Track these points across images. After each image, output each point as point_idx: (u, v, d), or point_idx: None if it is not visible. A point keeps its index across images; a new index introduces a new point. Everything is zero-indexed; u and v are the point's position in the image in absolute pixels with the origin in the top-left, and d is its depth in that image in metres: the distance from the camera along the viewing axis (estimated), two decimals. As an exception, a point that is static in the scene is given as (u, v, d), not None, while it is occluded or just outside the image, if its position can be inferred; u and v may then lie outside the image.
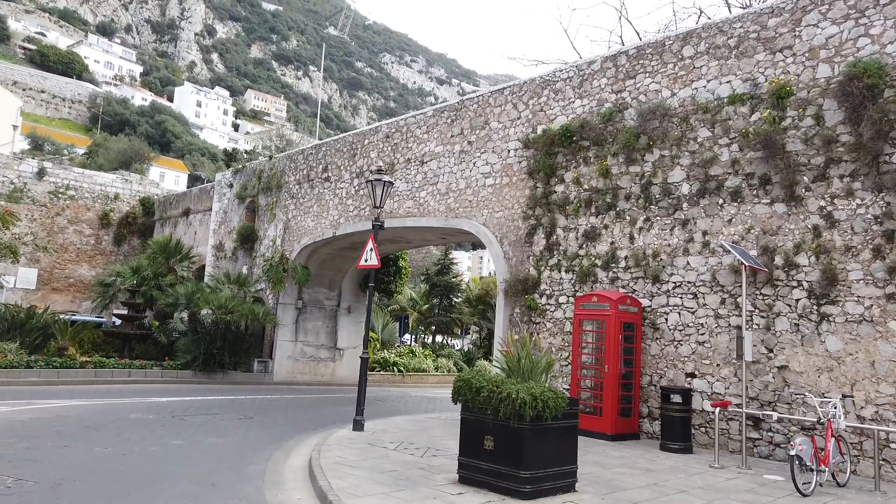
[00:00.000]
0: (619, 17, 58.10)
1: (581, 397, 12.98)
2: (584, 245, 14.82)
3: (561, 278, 15.21)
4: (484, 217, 17.26)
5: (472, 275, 57.19)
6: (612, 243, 14.30)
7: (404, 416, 16.13)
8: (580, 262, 14.83)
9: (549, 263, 15.49)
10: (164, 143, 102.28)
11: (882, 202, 10.59)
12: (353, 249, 24.04)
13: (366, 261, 13.17)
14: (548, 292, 15.44)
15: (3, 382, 17.36)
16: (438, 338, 36.20)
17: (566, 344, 14.88)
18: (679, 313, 12.97)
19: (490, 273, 54.34)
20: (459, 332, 36.69)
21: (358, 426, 12.66)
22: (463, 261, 69.10)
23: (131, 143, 52.80)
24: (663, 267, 13.32)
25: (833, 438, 9.17)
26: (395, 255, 26.05)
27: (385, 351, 29.31)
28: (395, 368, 27.63)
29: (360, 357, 13.11)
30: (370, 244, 13.12)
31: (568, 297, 15.01)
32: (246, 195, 27.37)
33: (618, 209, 14.27)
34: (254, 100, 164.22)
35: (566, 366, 14.81)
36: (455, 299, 33.50)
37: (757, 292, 11.81)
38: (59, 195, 33.99)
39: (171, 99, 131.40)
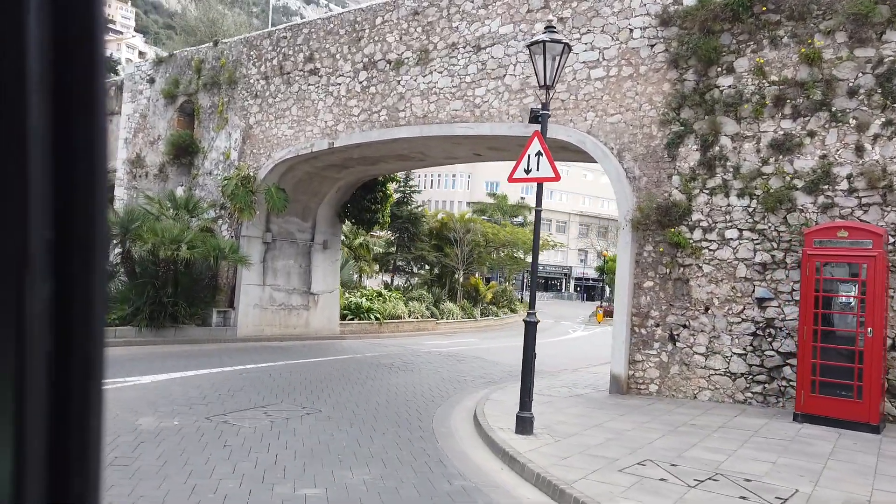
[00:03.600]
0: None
1: (815, 372, 9.25)
2: (773, 159, 10.84)
3: (729, 205, 11.20)
4: (589, 122, 12.76)
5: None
6: (822, 157, 10.43)
7: (501, 391, 11.70)
8: (765, 184, 10.86)
9: (709, 185, 11.41)
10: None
11: None
12: (342, 167, 18.65)
13: (528, 171, 8.35)
14: (705, 224, 11.41)
15: None
16: (397, 279, 31.36)
17: (737, 294, 11.02)
18: (947, 253, 9.45)
19: (441, 204, 48.95)
20: (424, 271, 32.02)
21: (525, 426, 8.15)
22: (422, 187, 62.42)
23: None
24: (919, 189, 9.67)
25: None
26: (383, 178, 20.83)
27: (349, 294, 24.27)
28: (372, 316, 22.78)
29: (526, 321, 8.42)
30: (536, 145, 8.31)
31: (741, 230, 11.07)
32: (178, 93, 20.71)
33: (833, 109, 10.36)
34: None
35: (738, 323, 11.01)
36: (417, 233, 28.69)
37: None
38: None
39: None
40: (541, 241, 31.99)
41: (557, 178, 8.23)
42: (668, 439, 8.13)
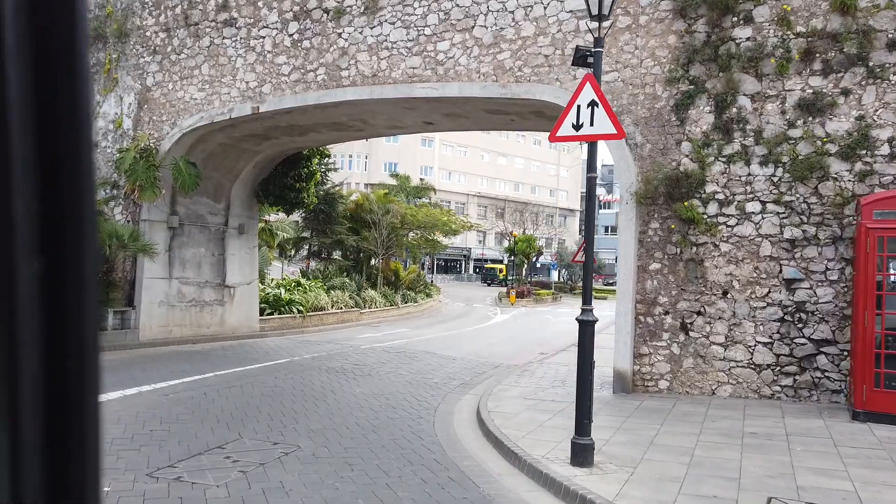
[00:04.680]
0: None
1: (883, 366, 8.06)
2: (802, 121, 9.57)
3: (750, 175, 9.85)
4: (578, 81, 11.02)
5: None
6: (859, 118, 9.25)
7: (494, 399, 9.82)
8: (793, 149, 9.58)
9: (725, 152, 10.01)
10: None
11: None
12: (264, 138, 15.98)
13: (578, 126, 6.43)
14: (721, 196, 10.02)
15: None
16: (312, 265, 28.60)
17: (761, 276, 9.73)
18: None
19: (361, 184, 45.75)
20: (340, 257, 29.35)
21: (586, 456, 6.33)
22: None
23: None
24: (973, 154, 8.67)
25: None
26: (307, 152, 18.17)
27: (262, 284, 21.50)
28: (294, 309, 20.20)
29: (580, 321, 6.52)
30: (589, 93, 6.40)
31: (764, 203, 9.76)
32: (51, 49, 17.06)
33: (870, 64, 9.19)
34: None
35: (762, 308, 9.72)
36: (334, 215, 26.07)
37: None
38: None
39: None
40: (459, 224, 30.16)
41: (621, 134, 6.38)
42: (753, 460, 6.58)
